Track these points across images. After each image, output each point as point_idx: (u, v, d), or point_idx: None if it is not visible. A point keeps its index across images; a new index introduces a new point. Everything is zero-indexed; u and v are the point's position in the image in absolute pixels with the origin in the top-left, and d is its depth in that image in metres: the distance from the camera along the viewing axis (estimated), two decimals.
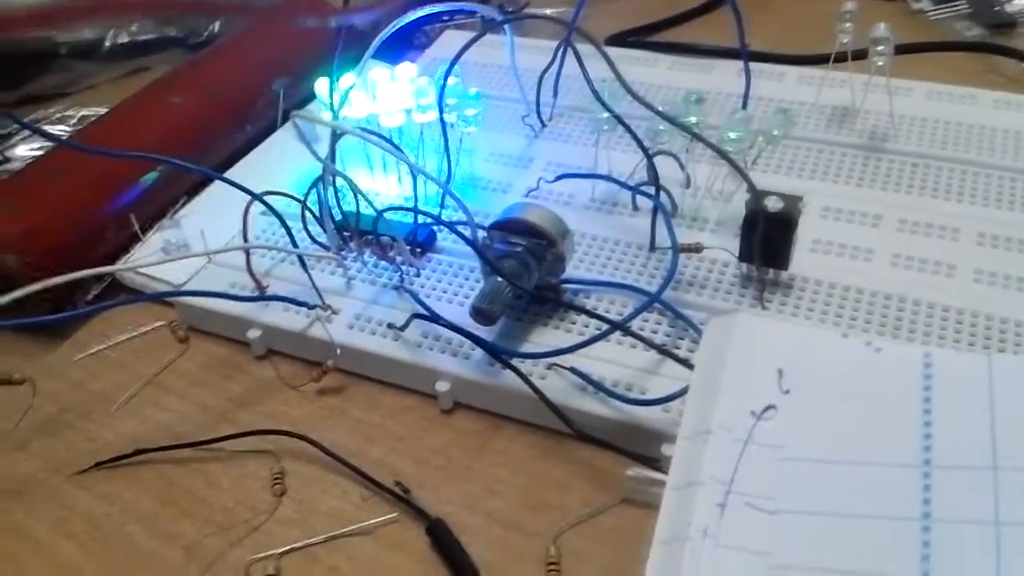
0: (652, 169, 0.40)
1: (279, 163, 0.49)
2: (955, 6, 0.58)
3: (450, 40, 0.61)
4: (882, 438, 0.28)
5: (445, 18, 0.65)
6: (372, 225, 0.40)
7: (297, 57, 0.56)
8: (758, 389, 0.29)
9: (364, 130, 0.40)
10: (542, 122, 0.50)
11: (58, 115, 0.58)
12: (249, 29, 0.58)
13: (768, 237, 0.36)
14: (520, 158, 0.49)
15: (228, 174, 0.48)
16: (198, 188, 0.49)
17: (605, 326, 0.36)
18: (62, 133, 0.55)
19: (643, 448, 0.33)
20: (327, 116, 0.42)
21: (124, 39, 0.60)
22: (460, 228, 0.38)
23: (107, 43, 0.60)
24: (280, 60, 0.56)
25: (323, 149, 0.39)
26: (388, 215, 0.39)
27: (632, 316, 0.37)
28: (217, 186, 0.49)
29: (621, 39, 0.60)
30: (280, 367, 0.40)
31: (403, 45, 0.63)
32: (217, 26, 0.61)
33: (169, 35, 0.61)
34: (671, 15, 0.63)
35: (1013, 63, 0.53)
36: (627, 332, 0.36)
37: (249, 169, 0.50)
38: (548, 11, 0.64)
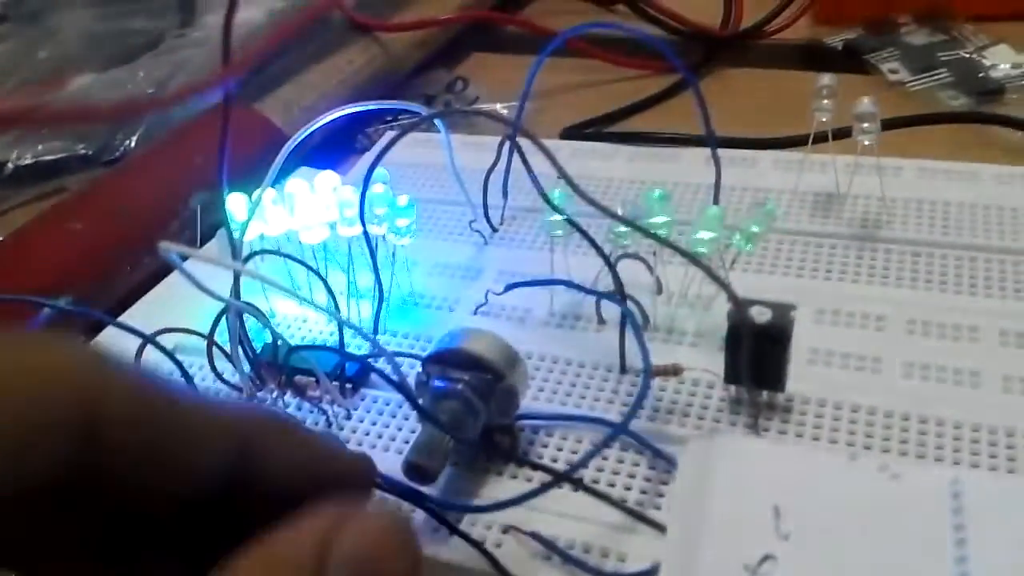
0: (615, 277, 0.35)
1: (193, 293, 0.42)
2: (936, 75, 0.53)
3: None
4: None
5: (388, 118, 0.61)
6: (287, 361, 0.34)
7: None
8: (751, 534, 0.24)
9: (270, 252, 0.34)
10: (492, 227, 0.45)
11: None
12: (165, 142, 0.52)
13: (757, 354, 0.30)
14: (468, 268, 0.43)
15: (135, 307, 0.42)
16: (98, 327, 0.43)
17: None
18: None
19: None
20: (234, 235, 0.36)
21: (28, 160, 0.54)
22: (392, 362, 0.32)
23: (10, 164, 0.55)
24: (200, 174, 0.50)
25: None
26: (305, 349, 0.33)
27: (584, 461, 0.30)
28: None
29: (577, 131, 0.55)
30: None
31: (344, 150, 0.58)
32: (134, 141, 0.56)
33: (79, 152, 0.55)
34: (630, 103, 0.58)
35: (1008, 132, 0.48)
36: (580, 486, 0.30)
37: (157, 301, 0.43)
38: (498, 105, 0.60)
